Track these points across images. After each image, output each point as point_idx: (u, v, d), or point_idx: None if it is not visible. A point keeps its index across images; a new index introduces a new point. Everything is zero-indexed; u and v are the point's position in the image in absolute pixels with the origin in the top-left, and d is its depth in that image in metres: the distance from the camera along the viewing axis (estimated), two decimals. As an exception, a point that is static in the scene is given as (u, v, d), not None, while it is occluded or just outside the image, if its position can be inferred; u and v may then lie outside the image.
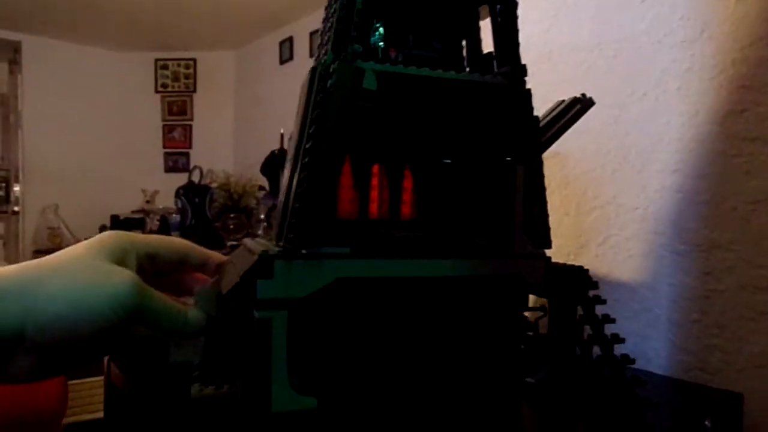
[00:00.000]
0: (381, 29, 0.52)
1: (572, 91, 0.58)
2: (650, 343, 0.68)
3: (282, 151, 2.52)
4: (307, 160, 0.47)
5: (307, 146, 0.47)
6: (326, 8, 0.52)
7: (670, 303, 0.67)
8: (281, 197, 0.53)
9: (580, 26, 0.77)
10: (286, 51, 3.23)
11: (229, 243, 2.83)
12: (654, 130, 0.69)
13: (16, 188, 3.37)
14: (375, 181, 0.57)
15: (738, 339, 0.61)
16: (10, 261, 3.02)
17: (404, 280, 0.51)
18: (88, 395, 1.54)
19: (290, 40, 3.21)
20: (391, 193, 0.57)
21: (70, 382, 1.28)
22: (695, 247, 0.65)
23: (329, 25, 0.50)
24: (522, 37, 0.72)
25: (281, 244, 0.49)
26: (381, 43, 0.53)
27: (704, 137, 0.64)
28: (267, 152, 2.55)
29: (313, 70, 0.49)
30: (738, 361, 0.61)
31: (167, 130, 3.83)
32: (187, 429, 0.47)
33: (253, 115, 3.57)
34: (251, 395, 0.48)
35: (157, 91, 3.80)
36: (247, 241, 0.62)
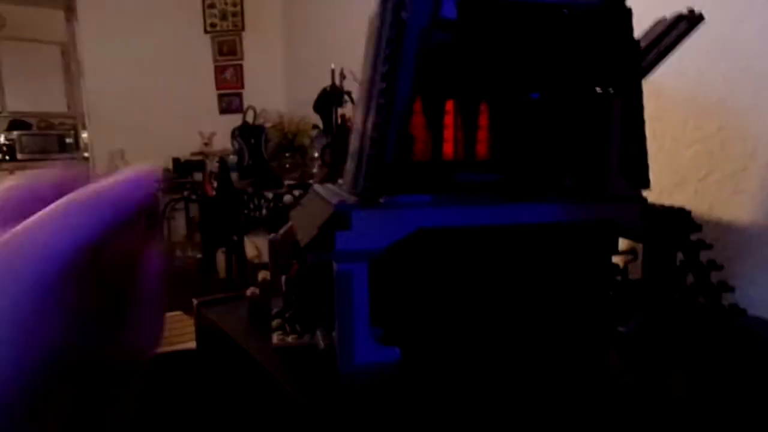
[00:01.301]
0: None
1: (675, 6, 0.50)
2: (758, 286, 0.63)
3: (333, 88, 2.47)
4: (382, 101, 0.43)
5: (382, 87, 0.43)
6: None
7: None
8: (353, 142, 0.50)
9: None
10: (334, -18, 3.09)
11: (287, 182, 2.86)
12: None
13: (84, 135, 3.51)
14: (448, 119, 0.52)
15: None
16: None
17: (488, 227, 0.47)
18: (170, 328, 1.64)
19: (338, -31, 3.06)
20: (466, 131, 0.53)
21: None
22: (813, 181, 0.57)
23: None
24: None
25: (358, 191, 0.46)
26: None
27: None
28: (318, 89, 2.50)
29: (384, 2, 0.44)
30: None
31: (219, 71, 3.82)
32: (271, 379, 0.48)
33: (303, 52, 3.50)
34: (334, 347, 0.47)
35: (206, 32, 3.77)
36: (318, 187, 0.60)
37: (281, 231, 0.62)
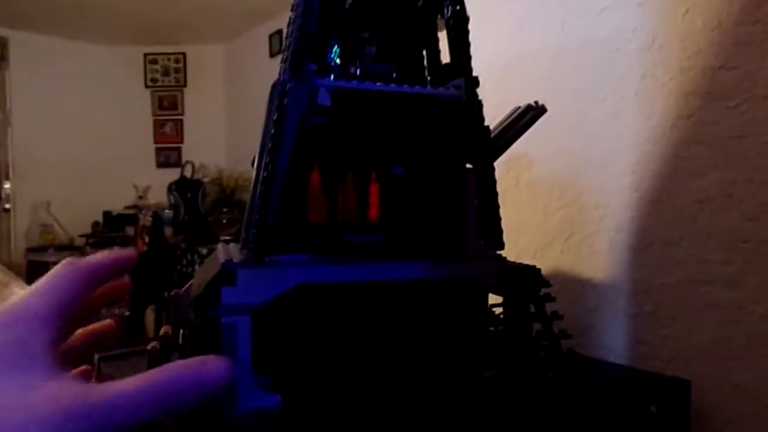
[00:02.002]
0: (336, 48, 0.54)
1: (541, 95, 0.61)
2: (611, 334, 0.72)
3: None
4: (265, 174, 0.50)
5: (267, 161, 0.50)
6: (287, 27, 0.54)
7: (628, 296, 0.70)
8: (247, 208, 0.56)
9: (544, 34, 0.79)
10: (276, 43, 3.24)
11: (222, 237, 2.85)
12: (613, 133, 0.72)
13: (7, 186, 3.39)
14: (341, 188, 0.60)
15: (687, 329, 0.64)
16: (1, 260, 3.05)
17: (364, 284, 0.54)
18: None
19: (280, 32, 3.21)
20: (359, 199, 0.60)
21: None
22: (650, 244, 0.68)
23: (288, 44, 0.52)
24: (492, 44, 0.74)
25: (245, 251, 0.52)
26: (338, 60, 0.55)
27: (657, 140, 0.67)
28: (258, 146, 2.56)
29: (273, 87, 0.51)
30: (687, 349, 0.64)
31: (158, 124, 3.83)
32: (160, 428, 0.51)
33: (244, 108, 3.58)
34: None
35: (147, 86, 3.80)
36: (220, 247, 0.65)
37: (184, 287, 0.66)
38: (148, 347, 0.64)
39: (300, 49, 0.50)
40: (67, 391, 0.23)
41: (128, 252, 0.36)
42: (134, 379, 0.26)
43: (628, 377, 0.65)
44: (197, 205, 3.17)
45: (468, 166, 0.58)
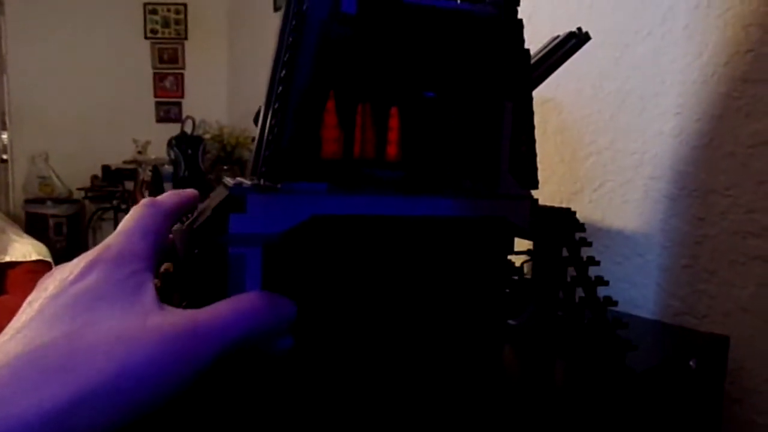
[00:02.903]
0: (362, -53, 0.48)
1: (576, 26, 0.55)
2: (639, 288, 0.67)
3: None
4: (280, 89, 0.44)
5: (282, 75, 0.45)
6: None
7: (662, 248, 0.65)
8: (257, 133, 0.51)
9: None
10: (280, -4, 3.12)
11: (223, 194, 2.78)
12: (657, 72, 0.66)
13: (4, 135, 3.31)
14: (359, 120, 0.54)
15: (727, 284, 0.60)
16: (0, 209, 3.00)
17: (384, 218, 0.49)
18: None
19: (284, -16, 3.09)
20: (377, 132, 0.55)
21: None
22: (691, 192, 0.63)
23: (307, -58, 0.46)
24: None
25: (255, 176, 0.47)
26: (363, -36, 0.49)
27: (707, 78, 0.61)
28: (260, 103, 2.49)
29: (289, -7, 0.45)
30: (725, 305, 0.60)
31: (158, 78, 3.73)
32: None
33: (246, 64, 3.47)
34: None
35: (146, 38, 3.68)
36: (227, 179, 0.60)
37: (187, 222, 0.61)
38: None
39: (322, -55, 0.44)
40: (179, 316, 0.28)
41: (192, 192, 0.42)
42: (228, 305, 0.32)
43: (659, 331, 0.61)
44: (197, 161, 3.11)
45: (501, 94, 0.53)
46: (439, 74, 0.51)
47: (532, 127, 0.52)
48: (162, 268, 0.61)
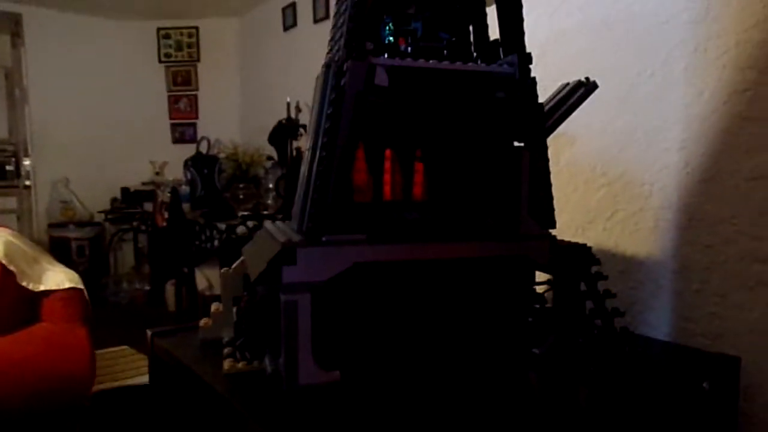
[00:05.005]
0: (391, 24, 0.53)
1: (581, 72, 0.60)
2: (654, 312, 0.72)
3: (289, 120, 2.52)
4: (324, 154, 0.50)
5: (324, 140, 0.50)
6: (337, 2, 0.54)
7: (674, 274, 0.70)
8: (300, 187, 0.56)
9: (589, 6, 0.77)
10: (290, 17, 3.19)
11: (240, 213, 2.86)
12: (661, 109, 0.70)
13: (26, 162, 3.41)
14: (388, 165, 0.59)
15: (737, 307, 0.64)
16: (24, 235, 3.09)
17: (419, 262, 0.54)
18: (114, 363, 1.61)
19: (293, 5, 3.16)
20: (404, 177, 0.60)
21: (97, 351, 1.35)
22: (698, 222, 0.67)
23: (341, 20, 0.52)
24: (531, 19, 0.73)
25: (303, 230, 0.52)
26: (391, 38, 0.54)
27: (708, 116, 0.66)
28: (273, 121, 2.54)
29: (327, 67, 0.51)
30: (735, 327, 0.64)
31: (173, 100, 3.82)
32: (222, 402, 0.52)
33: (258, 83, 3.55)
34: (280, 371, 0.52)
35: (160, 61, 3.78)
36: (268, 224, 0.65)
37: (234, 265, 0.67)
38: (201, 323, 0.65)
39: (356, 27, 0.50)
40: None
41: None
42: None
43: (675, 354, 0.66)
44: (213, 180, 3.18)
45: (518, 144, 0.58)
46: (462, 127, 0.56)
47: (548, 173, 0.57)
48: (213, 309, 0.67)
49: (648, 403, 0.54)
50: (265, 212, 2.68)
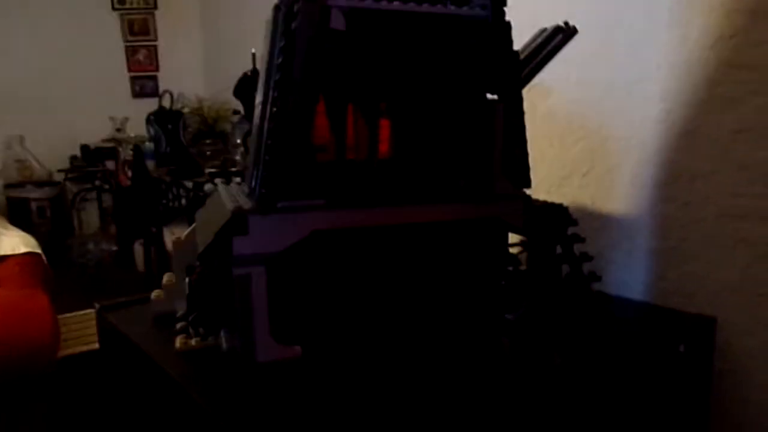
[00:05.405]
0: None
1: (557, 18, 0.54)
2: (630, 270, 0.70)
3: (255, 73, 2.40)
4: (276, 110, 0.44)
5: (275, 95, 0.44)
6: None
7: (650, 232, 0.68)
8: (252, 146, 0.51)
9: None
10: (252, -40, 3.00)
11: (208, 170, 2.76)
12: (643, 57, 0.66)
13: (-24, 120, 3.21)
14: (350, 121, 0.54)
15: (714, 265, 0.62)
16: (-19, 197, 2.94)
17: (383, 228, 0.50)
18: (83, 327, 1.56)
19: (255, -53, 2.96)
20: (369, 133, 0.55)
21: (61, 316, 1.29)
22: (677, 178, 0.64)
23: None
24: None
25: (255, 196, 0.47)
26: (349, -26, 0.48)
27: (692, 64, 0.62)
28: (239, 73, 2.42)
29: (276, 9, 0.44)
30: (711, 285, 0.63)
31: (131, 51, 3.61)
32: (173, 384, 0.48)
33: (221, 32, 3.37)
34: (236, 347, 0.48)
35: (114, 8, 3.54)
36: (222, 188, 0.60)
37: (186, 232, 0.62)
38: (152, 296, 0.60)
39: (308, -39, 0.43)
40: None
41: None
42: None
43: (651, 315, 0.64)
44: (179, 136, 3.05)
45: (492, 95, 0.53)
46: (430, 77, 0.51)
47: (524, 128, 0.53)
48: (164, 280, 0.62)
49: (622, 368, 0.52)
50: (233, 169, 2.60)
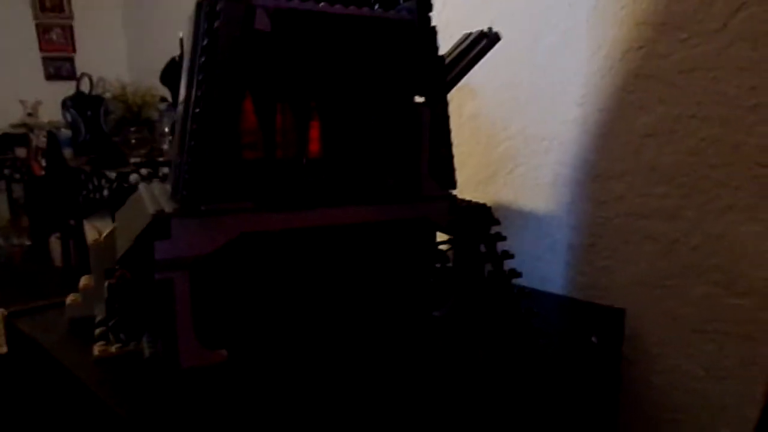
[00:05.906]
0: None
1: (485, 22, 0.56)
2: (550, 265, 0.74)
3: (182, 58, 2.30)
4: (196, 110, 0.43)
5: (198, 94, 0.43)
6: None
7: (569, 229, 0.71)
8: (174, 147, 0.49)
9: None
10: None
11: (132, 160, 2.63)
12: (563, 64, 0.69)
13: None
14: (279, 119, 0.53)
15: (624, 260, 0.67)
16: None
17: (311, 230, 0.50)
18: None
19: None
20: (298, 132, 0.54)
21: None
22: (594, 178, 0.68)
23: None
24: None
25: (178, 198, 0.45)
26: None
27: (606, 72, 0.65)
28: (166, 58, 2.31)
29: (199, 7, 0.43)
30: (623, 280, 0.67)
31: (42, 30, 3.35)
32: (90, 395, 0.46)
33: (146, 15, 3.19)
34: (159, 353, 0.47)
35: (24, -18, 3.26)
36: (143, 188, 0.57)
37: (105, 234, 0.59)
38: (68, 301, 0.57)
39: (232, -42, 0.42)
40: None
41: None
42: None
43: (568, 308, 0.68)
44: (99, 123, 2.88)
45: (418, 99, 0.54)
46: (357, 79, 0.51)
47: (449, 130, 0.54)
48: (81, 284, 0.59)
49: (540, 359, 0.55)
50: (161, 159, 2.49)
